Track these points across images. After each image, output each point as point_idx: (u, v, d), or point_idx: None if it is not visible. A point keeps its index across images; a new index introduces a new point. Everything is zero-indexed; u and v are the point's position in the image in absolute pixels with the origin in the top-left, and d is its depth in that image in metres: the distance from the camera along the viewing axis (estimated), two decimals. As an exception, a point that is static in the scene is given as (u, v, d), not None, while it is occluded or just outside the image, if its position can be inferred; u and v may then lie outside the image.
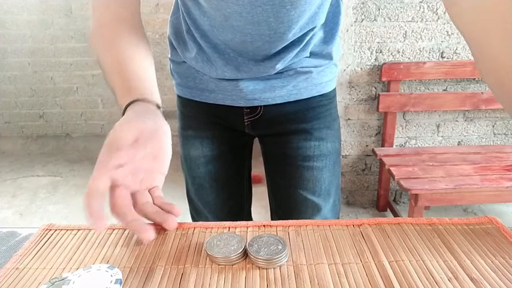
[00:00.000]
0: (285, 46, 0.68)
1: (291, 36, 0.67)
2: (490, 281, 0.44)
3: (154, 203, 0.49)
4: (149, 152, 0.48)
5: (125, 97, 0.53)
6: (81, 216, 2.18)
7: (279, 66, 0.70)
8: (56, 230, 0.56)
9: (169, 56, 0.80)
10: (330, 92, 0.79)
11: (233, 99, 0.74)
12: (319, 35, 0.73)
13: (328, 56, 0.76)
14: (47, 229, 0.56)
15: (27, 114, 3.12)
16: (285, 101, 0.75)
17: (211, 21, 0.66)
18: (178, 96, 0.82)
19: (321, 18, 0.69)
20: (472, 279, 0.44)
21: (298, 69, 0.73)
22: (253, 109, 0.76)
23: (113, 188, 0.45)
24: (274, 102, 0.74)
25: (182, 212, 0.51)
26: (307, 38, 0.69)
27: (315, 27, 0.69)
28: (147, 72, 0.58)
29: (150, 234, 0.45)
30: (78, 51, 2.94)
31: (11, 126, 3.16)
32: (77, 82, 3.01)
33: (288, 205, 0.81)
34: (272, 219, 0.88)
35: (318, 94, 0.77)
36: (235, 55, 0.70)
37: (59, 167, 2.84)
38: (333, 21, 0.73)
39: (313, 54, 0.74)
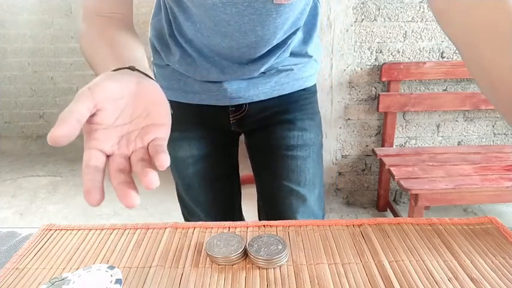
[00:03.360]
0: (268, 50, 0.71)
1: (275, 41, 0.69)
2: (490, 281, 0.44)
3: (149, 153, 0.39)
4: (140, 107, 0.41)
5: (111, 66, 0.45)
6: (81, 216, 2.18)
7: (263, 69, 0.73)
8: (56, 230, 0.56)
9: (152, 59, 0.81)
10: (311, 86, 0.83)
11: (218, 99, 0.76)
12: (299, 36, 0.75)
13: (307, 55, 0.79)
14: (47, 229, 0.56)
15: (27, 114, 3.12)
16: (269, 97, 0.78)
17: (196, 26, 0.67)
18: None
19: (302, 21, 0.72)
20: (472, 279, 0.44)
21: (280, 67, 0.76)
22: (238, 107, 0.78)
23: (110, 156, 0.38)
24: (258, 99, 0.77)
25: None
26: (290, 40, 0.72)
27: (297, 29, 0.72)
28: (143, 57, 0.53)
29: (128, 200, 0.34)
30: (78, 51, 2.94)
31: (11, 126, 3.16)
32: (77, 82, 3.01)
33: (274, 198, 0.83)
34: (259, 215, 0.89)
35: (300, 89, 0.80)
36: (220, 59, 0.71)
37: (59, 167, 2.83)
38: (311, 23, 0.76)
39: (293, 54, 0.77)
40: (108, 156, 0.38)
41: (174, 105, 0.80)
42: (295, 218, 0.78)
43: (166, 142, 0.40)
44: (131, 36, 0.57)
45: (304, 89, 0.81)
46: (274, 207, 0.82)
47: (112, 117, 0.39)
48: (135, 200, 0.35)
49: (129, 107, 0.40)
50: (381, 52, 1.91)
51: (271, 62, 0.72)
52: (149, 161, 0.38)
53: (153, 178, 0.35)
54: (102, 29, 0.57)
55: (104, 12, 0.59)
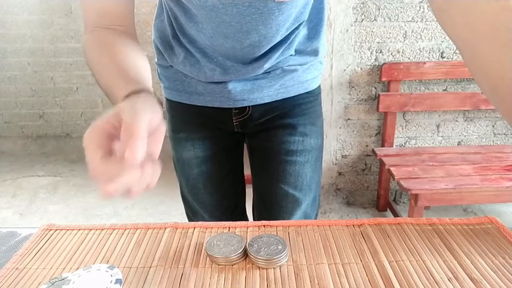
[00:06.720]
0: (271, 46, 0.70)
1: (279, 37, 0.68)
2: (490, 281, 0.44)
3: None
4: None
5: (126, 87, 0.47)
6: (81, 216, 2.18)
7: (267, 66, 0.72)
8: (56, 230, 0.56)
9: (155, 60, 0.81)
10: (315, 89, 0.82)
11: (222, 101, 0.75)
12: (303, 32, 0.74)
13: (314, 53, 0.78)
14: (47, 229, 0.56)
15: (27, 114, 3.12)
16: (273, 100, 0.77)
17: (198, 26, 0.67)
18: (167, 99, 0.83)
19: (305, 16, 0.71)
20: (472, 279, 0.44)
21: (285, 67, 0.75)
22: (241, 110, 0.78)
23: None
24: (262, 102, 0.76)
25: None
26: (293, 36, 0.71)
27: (300, 24, 0.71)
28: (146, 69, 0.55)
29: (107, 190, 0.36)
30: (78, 51, 2.94)
31: (11, 126, 3.16)
32: (77, 82, 3.01)
33: (269, 200, 0.83)
34: (253, 215, 0.89)
35: (305, 91, 0.80)
36: (224, 59, 0.71)
37: (59, 167, 2.83)
38: (317, 17, 0.75)
39: (298, 52, 0.76)
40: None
41: (178, 105, 0.80)
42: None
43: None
44: (136, 48, 0.58)
45: (308, 92, 0.80)
46: (269, 208, 0.82)
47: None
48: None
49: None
50: (380, 52, 1.91)
51: (275, 58, 0.72)
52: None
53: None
54: (105, 42, 0.57)
55: (105, 25, 0.58)
